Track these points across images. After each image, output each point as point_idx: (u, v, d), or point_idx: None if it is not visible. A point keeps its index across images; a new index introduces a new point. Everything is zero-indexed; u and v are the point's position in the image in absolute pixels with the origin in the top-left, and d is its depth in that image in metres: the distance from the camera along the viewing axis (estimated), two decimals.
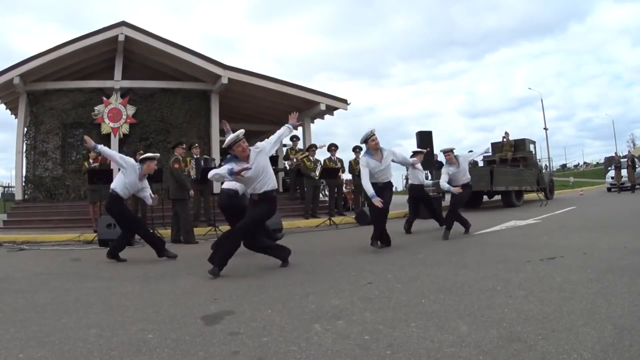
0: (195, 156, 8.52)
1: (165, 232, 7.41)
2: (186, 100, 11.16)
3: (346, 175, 11.41)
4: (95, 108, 10.51)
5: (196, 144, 8.77)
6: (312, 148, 10.09)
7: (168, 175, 7.16)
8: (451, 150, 6.36)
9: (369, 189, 4.97)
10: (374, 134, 5.16)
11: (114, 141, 10.35)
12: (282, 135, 4.34)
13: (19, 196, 10.49)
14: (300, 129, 10.78)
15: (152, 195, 5.46)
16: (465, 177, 6.32)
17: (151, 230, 7.40)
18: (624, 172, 17.47)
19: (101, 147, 5.22)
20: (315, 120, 13.46)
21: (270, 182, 4.07)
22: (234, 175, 3.83)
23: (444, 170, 6.35)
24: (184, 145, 7.67)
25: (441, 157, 7.99)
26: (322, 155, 10.60)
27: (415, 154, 7.26)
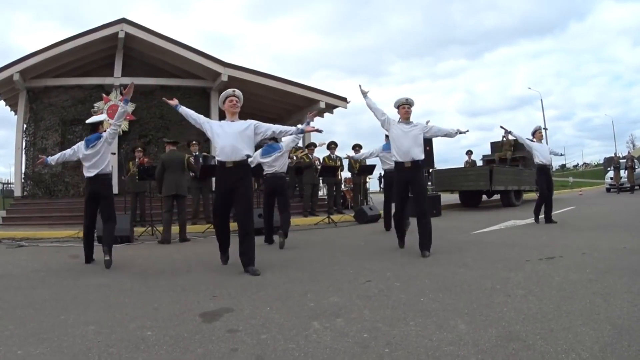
0: (194, 153, 8.52)
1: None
2: (186, 97, 11.11)
3: (345, 174, 11.42)
4: (95, 105, 10.51)
5: (194, 141, 8.77)
6: (311, 146, 10.08)
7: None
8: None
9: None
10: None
11: None
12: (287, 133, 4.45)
13: (18, 193, 10.49)
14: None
15: None
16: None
17: (153, 227, 7.42)
18: (623, 172, 17.52)
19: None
20: (315, 119, 13.47)
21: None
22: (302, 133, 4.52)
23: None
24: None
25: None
26: (321, 153, 10.61)
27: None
